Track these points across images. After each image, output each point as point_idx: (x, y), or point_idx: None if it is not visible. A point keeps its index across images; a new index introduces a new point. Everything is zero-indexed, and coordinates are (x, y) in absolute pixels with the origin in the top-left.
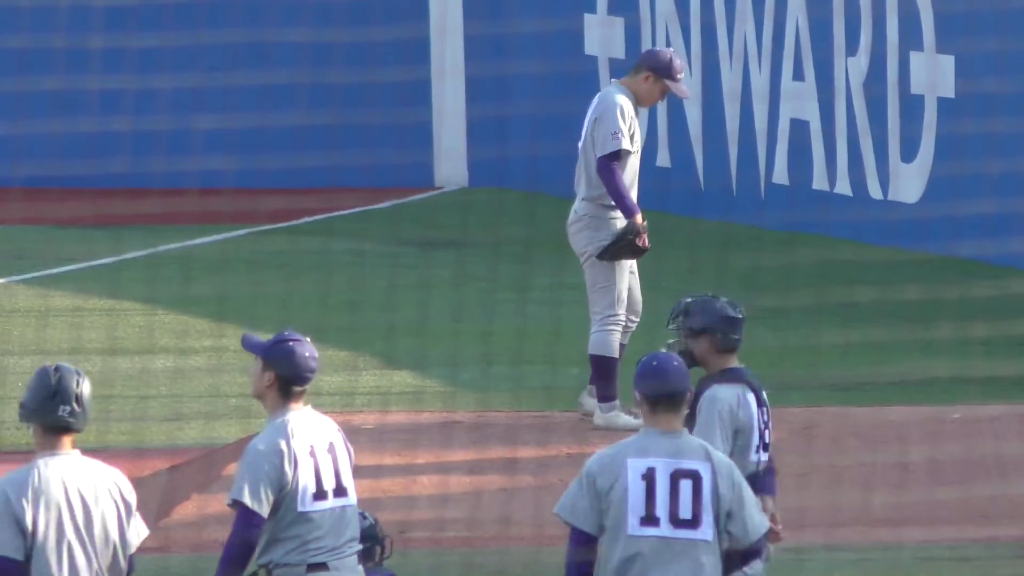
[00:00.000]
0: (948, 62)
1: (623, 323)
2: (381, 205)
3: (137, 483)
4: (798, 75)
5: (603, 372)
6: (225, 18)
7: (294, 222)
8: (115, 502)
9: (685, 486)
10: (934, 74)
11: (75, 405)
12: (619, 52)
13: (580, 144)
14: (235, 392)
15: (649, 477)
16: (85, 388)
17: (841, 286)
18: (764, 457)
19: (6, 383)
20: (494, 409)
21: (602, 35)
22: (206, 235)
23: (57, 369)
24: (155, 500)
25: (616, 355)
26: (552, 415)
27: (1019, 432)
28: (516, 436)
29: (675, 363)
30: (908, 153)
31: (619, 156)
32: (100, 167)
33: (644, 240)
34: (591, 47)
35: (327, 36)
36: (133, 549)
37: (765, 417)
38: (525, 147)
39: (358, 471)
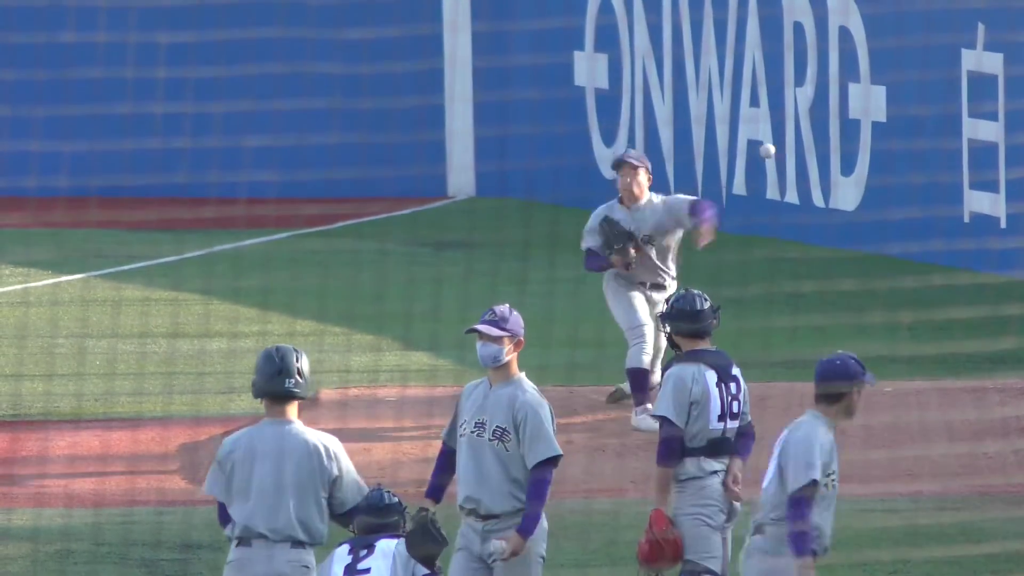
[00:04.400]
0: (880, 91)
1: (646, 336)
2: (402, 212)
3: (195, 445)
4: (754, 102)
5: (635, 383)
6: (270, 53)
7: (328, 226)
8: (314, 467)
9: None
10: (868, 101)
11: (298, 377)
12: (603, 83)
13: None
14: None
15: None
16: (304, 363)
17: (789, 280)
18: (732, 425)
19: (85, 361)
20: None
21: (589, 68)
22: (254, 237)
23: (279, 350)
24: (210, 458)
25: (644, 367)
26: (545, 388)
27: (939, 403)
28: None
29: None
30: (846, 168)
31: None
32: (164, 179)
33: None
34: (579, 78)
35: (357, 69)
36: (341, 511)
37: (734, 391)
38: (523, 162)
39: (381, 436)
